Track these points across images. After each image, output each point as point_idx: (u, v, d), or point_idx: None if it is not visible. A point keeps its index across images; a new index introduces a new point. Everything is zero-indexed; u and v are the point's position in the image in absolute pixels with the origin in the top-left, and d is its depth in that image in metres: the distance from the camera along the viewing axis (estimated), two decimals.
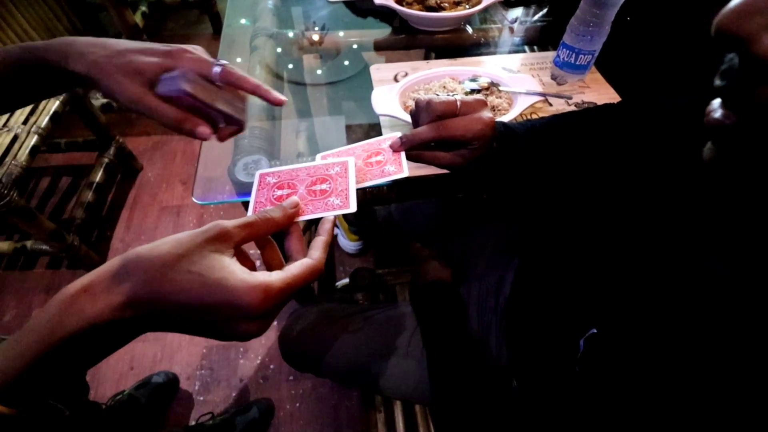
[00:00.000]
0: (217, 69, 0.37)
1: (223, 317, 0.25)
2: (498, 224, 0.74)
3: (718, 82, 0.20)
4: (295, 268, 0.28)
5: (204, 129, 0.37)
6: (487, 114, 0.37)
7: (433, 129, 0.37)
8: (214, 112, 0.38)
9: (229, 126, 0.41)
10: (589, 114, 0.45)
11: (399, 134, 0.39)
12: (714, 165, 0.22)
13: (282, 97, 0.40)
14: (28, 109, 1.04)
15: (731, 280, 0.26)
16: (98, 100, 1.44)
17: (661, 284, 0.31)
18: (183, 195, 1.40)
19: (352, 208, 0.34)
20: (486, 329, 0.60)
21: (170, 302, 0.24)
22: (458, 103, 0.37)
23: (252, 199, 0.36)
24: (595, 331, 0.34)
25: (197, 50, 0.39)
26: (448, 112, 0.37)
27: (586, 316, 0.36)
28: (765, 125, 0.19)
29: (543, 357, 0.44)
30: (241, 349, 1.09)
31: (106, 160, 1.30)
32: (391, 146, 0.40)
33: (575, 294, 0.41)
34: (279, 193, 0.36)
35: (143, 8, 1.84)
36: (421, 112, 0.38)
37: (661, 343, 0.28)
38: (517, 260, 0.62)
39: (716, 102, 0.21)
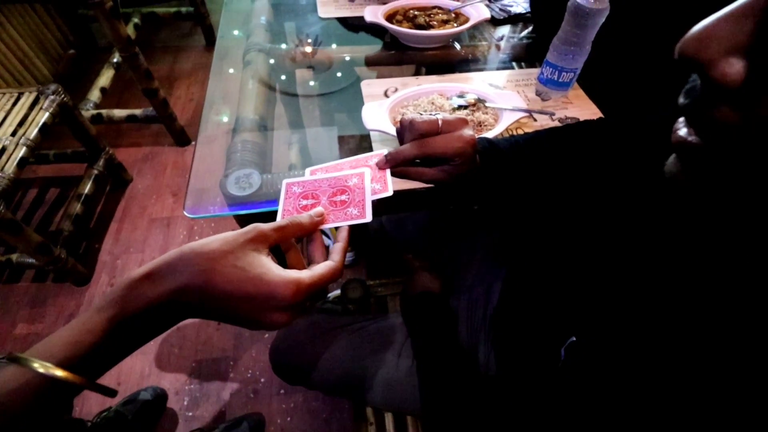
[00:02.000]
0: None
1: (259, 306, 0.29)
2: (486, 235, 0.75)
3: (681, 100, 0.21)
4: (320, 268, 0.33)
5: None
6: (468, 132, 0.40)
7: (416, 147, 0.39)
8: None
9: None
10: (571, 130, 0.47)
11: (384, 152, 0.41)
12: (675, 179, 0.23)
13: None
14: (17, 119, 1.03)
15: (697, 285, 0.27)
16: (88, 111, 1.43)
17: (632, 292, 0.32)
18: (173, 207, 1.39)
19: (368, 218, 0.37)
20: (475, 339, 0.61)
21: (218, 290, 0.28)
22: (440, 122, 0.39)
23: (280, 207, 0.40)
24: (574, 339, 0.35)
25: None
26: (430, 130, 0.39)
27: (566, 325, 0.37)
28: (723, 144, 0.20)
29: (528, 366, 0.44)
30: (231, 363, 1.08)
31: (95, 171, 1.30)
32: (376, 164, 0.41)
33: (557, 303, 0.42)
34: (304, 202, 0.40)
35: (136, 20, 1.85)
36: (405, 131, 0.40)
37: (636, 348, 0.30)
38: (505, 271, 0.63)
39: (681, 120, 0.22)
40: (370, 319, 0.69)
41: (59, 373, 0.24)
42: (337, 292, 0.96)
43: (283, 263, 0.34)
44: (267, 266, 0.30)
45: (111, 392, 0.29)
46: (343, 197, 0.39)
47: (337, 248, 0.35)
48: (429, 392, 0.56)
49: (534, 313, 0.47)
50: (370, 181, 0.40)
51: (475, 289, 0.67)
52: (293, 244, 0.36)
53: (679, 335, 0.27)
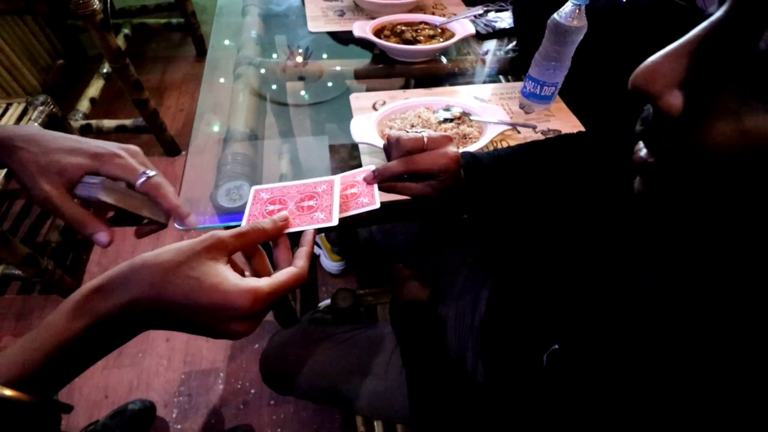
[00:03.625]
0: (141, 180, 0.39)
1: (217, 317, 0.29)
2: (474, 244, 0.77)
3: (638, 126, 0.23)
4: (281, 275, 0.32)
5: (102, 236, 0.38)
6: (452, 149, 0.41)
7: (402, 163, 0.41)
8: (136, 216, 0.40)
9: (150, 224, 0.43)
10: (551, 144, 0.49)
11: (372, 167, 0.43)
12: (641, 196, 0.25)
13: (192, 220, 0.43)
14: None
15: (660, 292, 0.29)
16: (78, 122, 1.43)
17: (607, 301, 0.34)
18: None
19: (334, 222, 0.37)
20: (463, 347, 0.62)
21: (172, 302, 0.28)
22: (425, 139, 0.41)
23: (246, 212, 0.40)
24: (556, 346, 0.37)
25: (131, 155, 0.40)
26: (416, 148, 0.41)
27: (549, 333, 0.39)
28: (674, 164, 0.22)
29: (513, 372, 0.46)
30: (221, 374, 1.07)
31: None
32: (364, 179, 0.43)
33: (540, 311, 0.44)
34: (271, 207, 0.40)
35: (126, 31, 1.86)
36: (392, 148, 0.42)
37: (614, 356, 0.31)
38: (491, 279, 0.65)
39: (641, 142, 0.24)
40: (359, 328, 0.70)
41: (7, 392, 0.24)
42: (328, 301, 0.96)
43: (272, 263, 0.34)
44: (223, 275, 0.29)
45: (66, 408, 0.29)
46: (311, 203, 0.39)
47: (301, 253, 0.35)
48: (418, 400, 0.56)
49: (519, 321, 0.49)
50: (339, 188, 0.41)
51: (463, 298, 0.68)
52: (259, 249, 0.36)
53: (655, 343, 0.29)
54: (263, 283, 0.30)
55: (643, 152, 0.24)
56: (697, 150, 0.20)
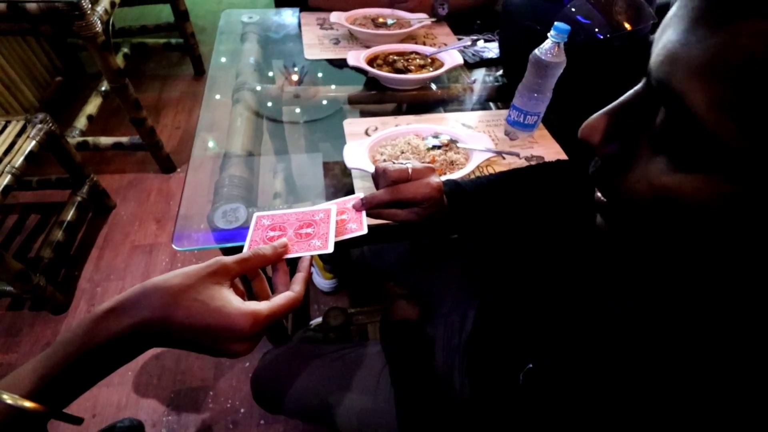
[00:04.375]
0: None
1: (219, 337, 0.31)
2: (462, 263, 0.79)
3: (590, 169, 0.27)
4: (279, 299, 0.35)
5: None
6: (434, 179, 0.45)
7: (388, 192, 0.44)
8: None
9: None
10: (531, 172, 0.53)
11: (361, 195, 0.46)
12: (601, 230, 0.28)
13: None
14: (3, 148, 1.04)
15: (624, 316, 0.32)
16: (74, 139, 1.45)
17: (577, 323, 0.36)
18: (156, 233, 1.40)
19: (330, 249, 0.41)
20: (450, 365, 0.64)
21: (179, 323, 0.30)
22: (410, 170, 0.45)
23: (248, 238, 0.43)
24: (531, 366, 0.39)
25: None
26: (401, 178, 0.45)
27: (525, 353, 0.41)
28: (621, 206, 0.26)
29: (493, 391, 0.48)
30: (210, 393, 1.07)
31: (78, 198, 1.30)
32: (353, 206, 0.46)
33: (517, 332, 0.46)
34: (271, 234, 0.43)
35: (125, 50, 1.90)
36: (379, 178, 0.46)
37: (583, 373, 0.33)
38: (478, 299, 0.67)
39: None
40: (349, 347, 0.72)
41: (27, 404, 0.26)
42: (319, 319, 0.97)
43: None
44: (227, 299, 0.32)
45: (77, 420, 0.31)
46: (309, 230, 0.43)
47: (298, 278, 0.38)
48: (406, 419, 0.58)
49: (499, 340, 0.51)
50: (335, 216, 0.44)
51: (451, 317, 0.70)
52: (259, 273, 0.38)
53: (623, 363, 0.31)
54: (262, 306, 0.33)
55: (598, 193, 0.27)
56: (623, 195, 0.24)
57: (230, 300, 0.32)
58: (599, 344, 0.33)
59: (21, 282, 1.02)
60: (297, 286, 0.37)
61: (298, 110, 0.86)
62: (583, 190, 0.45)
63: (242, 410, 1.04)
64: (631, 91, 0.24)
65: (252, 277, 0.38)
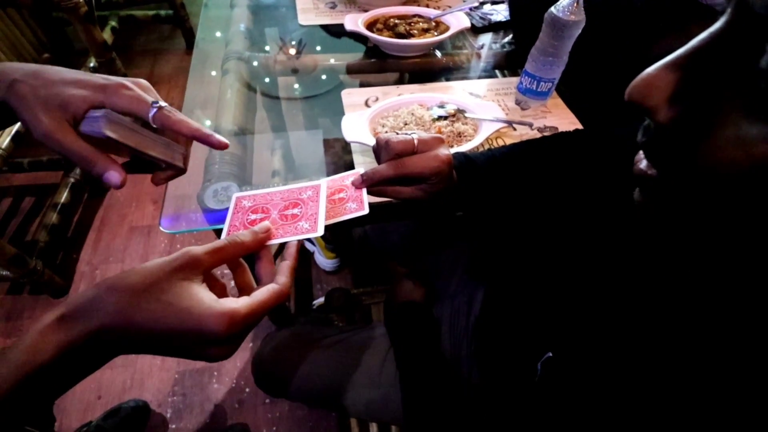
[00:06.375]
0: (152, 111, 0.34)
1: (191, 342, 0.27)
2: (469, 243, 0.76)
3: (639, 137, 0.22)
4: (261, 294, 0.29)
5: (113, 175, 0.34)
6: (443, 151, 0.39)
7: (392, 167, 0.39)
8: (146, 157, 0.36)
9: (167, 170, 0.39)
10: (546, 143, 0.48)
11: (361, 170, 0.41)
12: (640, 207, 0.24)
13: (224, 140, 0.39)
14: None
15: (655, 301, 0.28)
16: None
17: (601, 309, 0.33)
18: (154, 214, 1.37)
19: (320, 232, 0.35)
20: (457, 348, 0.61)
21: (141, 329, 0.26)
22: (415, 141, 0.39)
23: (227, 223, 0.37)
24: (550, 354, 0.36)
25: (139, 86, 0.36)
26: (406, 150, 0.39)
27: (543, 340, 0.38)
28: (675, 176, 0.21)
29: (507, 378, 0.45)
30: (215, 374, 1.06)
31: (71, 179, 1.26)
32: (353, 183, 0.41)
33: (534, 318, 0.43)
34: (253, 217, 0.37)
35: (113, 23, 1.81)
36: (381, 150, 0.40)
37: (609, 367, 0.30)
38: (486, 281, 0.64)
39: (641, 152, 0.23)
40: (353, 330, 0.69)
41: None
42: (322, 299, 0.95)
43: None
44: (196, 298, 0.27)
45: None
46: (295, 210, 0.37)
47: (284, 268, 0.32)
48: (412, 402, 0.56)
49: (513, 326, 0.48)
50: (326, 193, 0.38)
51: (458, 298, 0.67)
52: (240, 263, 0.33)
53: (651, 354, 0.28)
54: (240, 304, 0.28)
55: (644, 164, 0.23)
56: (699, 165, 0.19)
57: (201, 299, 0.27)
58: (627, 333, 0.29)
59: (17, 266, 1.00)
60: (282, 278, 0.31)
61: (296, 86, 0.80)
62: (610, 162, 0.41)
63: (247, 390, 1.04)
64: (704, 34, 0.19)
65: (233, 267, 0.33)
